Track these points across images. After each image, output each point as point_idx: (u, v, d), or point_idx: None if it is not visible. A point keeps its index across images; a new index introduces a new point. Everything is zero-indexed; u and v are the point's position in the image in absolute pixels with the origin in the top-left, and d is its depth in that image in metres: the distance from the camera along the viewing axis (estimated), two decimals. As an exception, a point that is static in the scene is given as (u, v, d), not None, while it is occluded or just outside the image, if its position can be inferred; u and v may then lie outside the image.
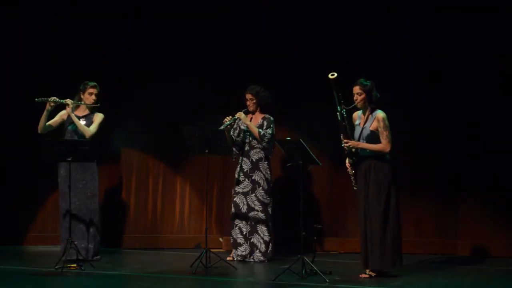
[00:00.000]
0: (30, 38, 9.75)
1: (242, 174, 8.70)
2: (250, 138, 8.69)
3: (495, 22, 9.03)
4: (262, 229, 8.62)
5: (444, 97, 9.18)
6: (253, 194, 8.63)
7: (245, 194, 8.67)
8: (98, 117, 8.63)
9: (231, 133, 8.74)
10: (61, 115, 8.63)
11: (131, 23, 9.86)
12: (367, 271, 7.57)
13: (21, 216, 9.77)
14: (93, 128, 8.55)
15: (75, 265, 7.96)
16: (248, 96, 8.71)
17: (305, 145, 7.60)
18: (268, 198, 8.66)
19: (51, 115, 8.55)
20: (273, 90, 9.09)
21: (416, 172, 8.95)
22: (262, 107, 8.75)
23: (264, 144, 8.62)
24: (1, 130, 9.72)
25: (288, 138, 8.02)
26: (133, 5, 9.87)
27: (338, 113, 7.55)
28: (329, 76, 7.51)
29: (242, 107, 8.75)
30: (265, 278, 7.82)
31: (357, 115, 7.74)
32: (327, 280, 7.31)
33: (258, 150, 8.69)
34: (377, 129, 7.54)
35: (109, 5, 9.80)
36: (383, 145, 7.52)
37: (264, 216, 8.62)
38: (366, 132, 7.59)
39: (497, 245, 8.99)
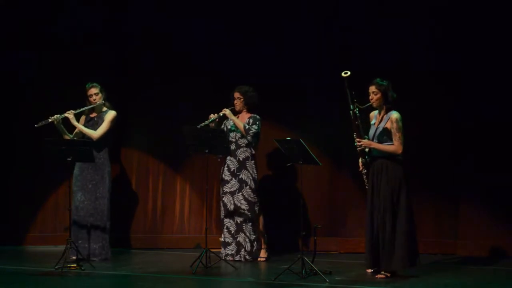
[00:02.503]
0: (31, 38, 9.73)
1: (229, 173, 8.70)
2: (237, 137, 8.68)
3: (497, 21, 9.04)
4: (248, 228, 8.64)
5: (444, 96, 9.18)
6: (240, 193, 8.65)
7: (232, 194, 8.69)
8: (108, 116, 8.66)
9: None
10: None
11: (132, 23, 9.84)
12: (382, 271, 7.58)
13: (21, 216, 9.77)
14: (99, 130, 8.58)
15: (75, 265, 7.97)
16: (236, 94, 8.71)
17: (305, 145, 7.60)
18: (255, 197, 8.67)
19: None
20: (273, 89, 9.10)
21: (416, 172, 8.93)
22: (249, 107, 8.74)
23: (248, 138, 8.60)
24: (1, 130, 9.71)
25: (288, 138, 8.02)
26: (135, 5, 9.85)
27: (351, 112, 7.57)
28: (342, 74, 7.55)
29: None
30: (265, 278, 7.82)
31: (374, 114, 7.77)
32: (327, 280, 7.32)
33: (245, 149, 8.69)
34: (390, 130, 7.56)
35: (111, 5, 9.79)
36: (395, 146, 7.55)
37: (250, 215, 8.64)
38: (378, 132, 7.61)
39: (497, 245, 8.99)
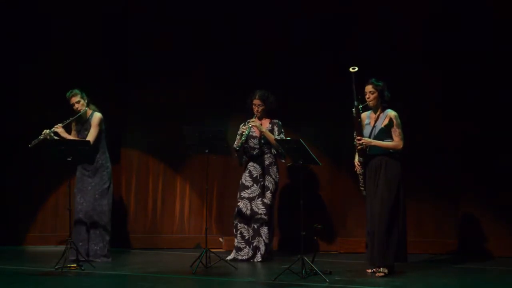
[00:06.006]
0: (30, 38, 9.74)
1: (250, 179, 8.67)
2: (261, 143, 8.65)
3: (494, 19, 9.05)
4: (265, 231, 8.61)
5: (444, 96, 9.19)
6: (260, 199, 8.61)
7: (251, 199, 8.64)
8: (95, 120, 8.59)
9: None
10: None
11: (132, 23, 9.84)
12: (381, 268, 7.59)
13: (21, 216, 9.77)
14: (89, 136, 8.49)
15: (75, 265, 7.97)
16: (257, 102, 8.64)
17: (305, 145, 7.60)
18: (273, 201, 8.65)
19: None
20: (273, 89, 9.09)
21: (416, 172, 8.95)
22: (268, 112, 8.72)
23: (280, 150, 8.53)
24: (0, 130, 9.71)
25: (288, 138, 8.01)
26: (134, 5, 9.85)
27: (354, 108, 7.58)
28: (350, 69, 7.56)
29: (242, 106, 8.75)
30: (265, 278, 7.82)
31: (366, 115, 7.80)
32: (327, 280, 7.32)
33: (269, 155, 8.66)
34: (388, 127, 7.58)
35: (110, 5, 9.79)
36: (396, 142, 7.61)
37: (267, 219, 8.60)
38: (378, 131, 7.63)
39: (497, 245, 8.99)
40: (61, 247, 8.20)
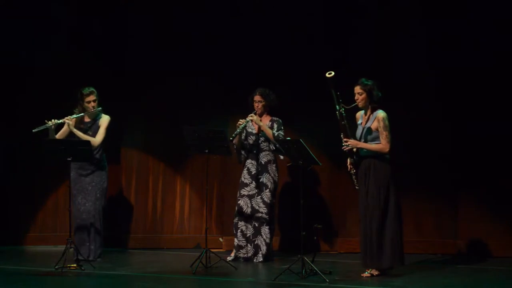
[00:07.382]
0: (30, 38, 9.74)
1: (249, 176, 8.67)
2: (260, 141, 8.65)
3: (493, 24, 9.05)
4: (265, 231, 8.60)
5: (444, 96, 9.18)
6: (259, 197, 8.59)
7: (251, 197, 8.63)
8: (104, 122, 8.60)
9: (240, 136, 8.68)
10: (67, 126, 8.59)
11: (132, 23, 9.84)
12: (368, 270, 7.59)
13: (21, 216, 9.77)
14: (99, 136, 8.51)
15: (75, 265, 7.97)
16: (257, 98, 8.64)
17: (305, 145, 7.60)
18: (273, 200, 8.64)
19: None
20: (273, 89, 9.10)
21: (416, 172, 8.94)
22: (269, 110, 8.72)
23: (278, 145, 8.54)
24: (1, 130, 9.71)
25: (288, 138, 8.00)
26: (134, 5, 9.86)
27: (337, 112, 7.58)
28: (326, 75, 7.54)
29: (243, 106, 8.75)
30: (265, 278, 7.82)
31: (360, 114, 7.79)
32: (327, 280, 7.32)
33: (267, 152, 8.66)
34: (377, 129, 7.56)
35: (110, 5, 9.80)
36: (382, 145, 7.55)
37: (268, 218, 8.59)
38: (365, 132, 7.61)
39: (497, 245, 8.99)
40: (61, 247, 8.19)
